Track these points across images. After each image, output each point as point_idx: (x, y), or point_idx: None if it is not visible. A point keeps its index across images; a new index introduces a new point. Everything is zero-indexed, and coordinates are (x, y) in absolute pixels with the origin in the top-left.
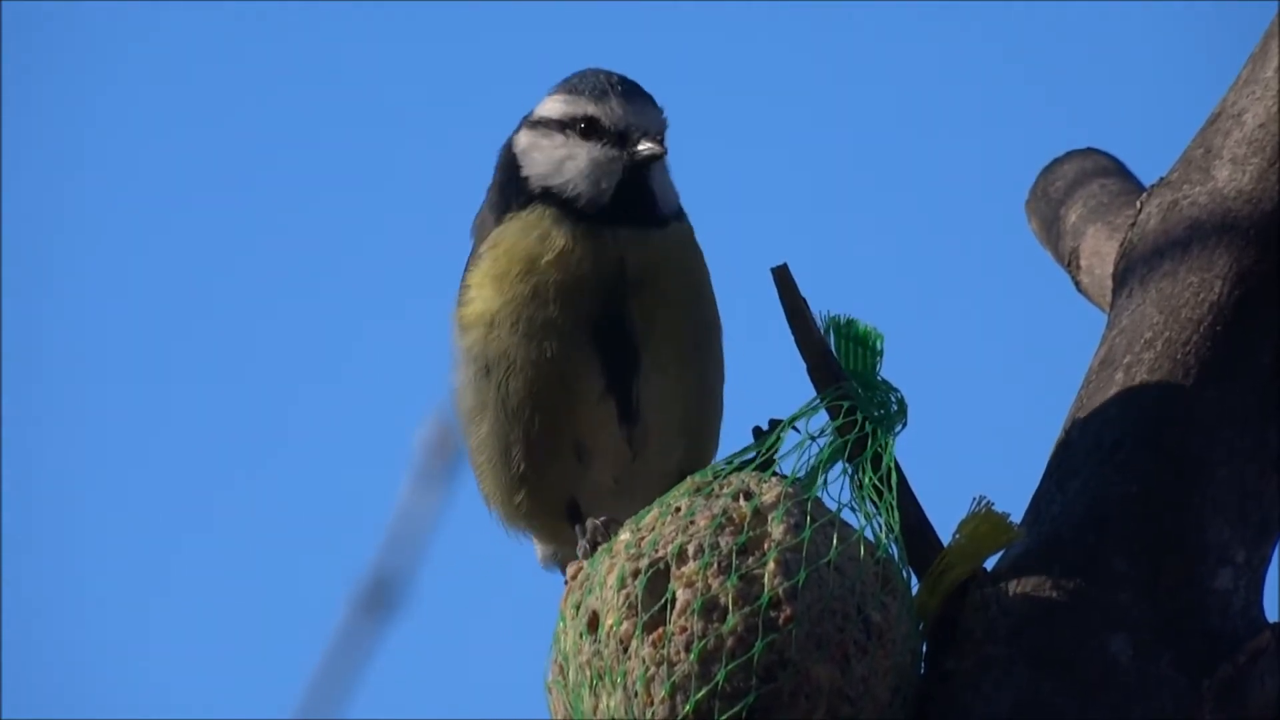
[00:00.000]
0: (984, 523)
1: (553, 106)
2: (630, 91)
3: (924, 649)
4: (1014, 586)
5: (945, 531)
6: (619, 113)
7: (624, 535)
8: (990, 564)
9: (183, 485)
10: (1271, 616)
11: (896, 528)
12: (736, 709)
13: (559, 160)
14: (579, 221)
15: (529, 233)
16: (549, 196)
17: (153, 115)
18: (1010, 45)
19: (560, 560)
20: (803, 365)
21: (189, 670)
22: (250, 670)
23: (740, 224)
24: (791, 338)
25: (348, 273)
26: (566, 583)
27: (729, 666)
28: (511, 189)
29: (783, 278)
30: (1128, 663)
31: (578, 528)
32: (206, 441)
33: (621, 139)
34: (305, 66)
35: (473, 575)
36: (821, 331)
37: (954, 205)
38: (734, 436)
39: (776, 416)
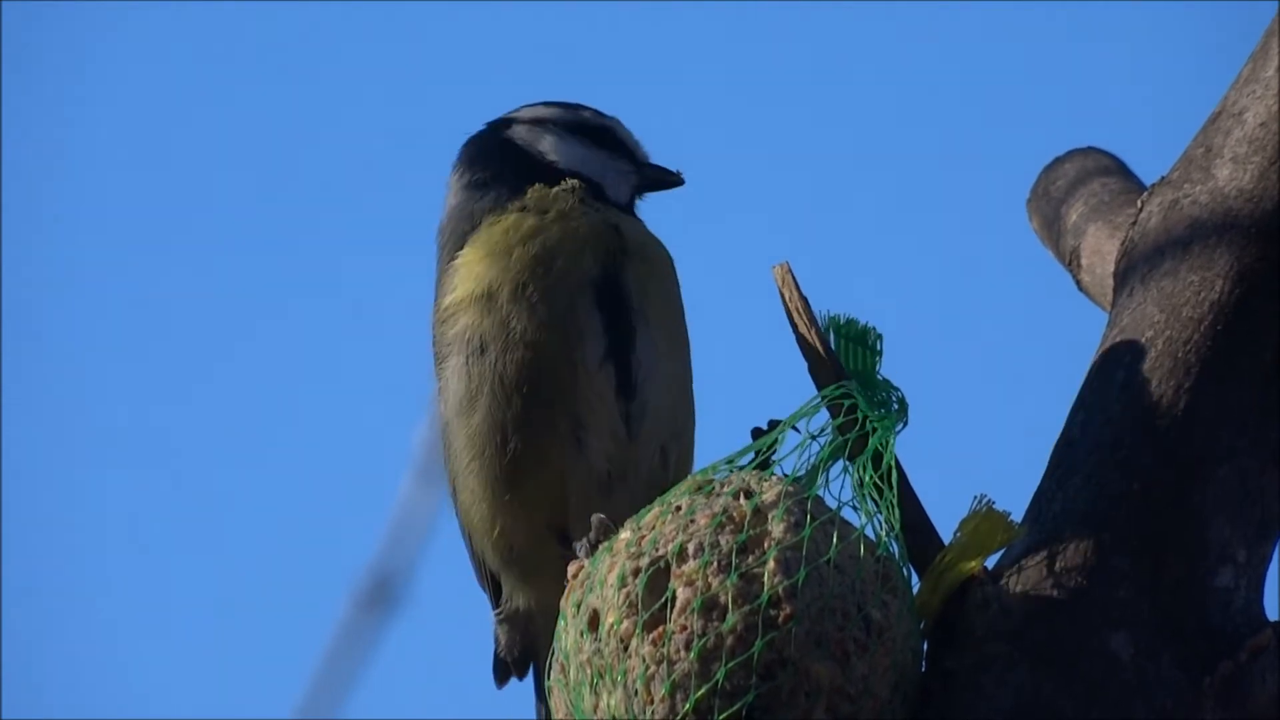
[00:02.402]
0: (985, 521)
1: (553, 112)
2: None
3: (924, 647)
4: (1015, 585)
5: (946, 530)
6: (628, 133)
7: (624, 534)
8: (991, 562)
9: (183, 484)
10: (1272, 615)
11: (897, 526)
12: (736, 707)
13: (580, 157)
14: (584, 199)
15: (545, 201)
16: (577, 177)
17: (153, 115)
18: (1010, 45)
19: (527, 625)
20: (803, 363)
21: (189, 670)
22: (250, 670)
23: (740, 223)
24: (792, 336)
25: (348, 272)
26: (567, 581)
27: (729, 665)
28: (526, 172)
29: (783, 276)
30: (1128, 661)
31: (577, 544)
32: (207, 441)
33: (633, 156)
34: (305, 66)
35: (473, 575)
36: (822, 330)
37: (955, 204)
38: (734, 437)
39: (776, 416)
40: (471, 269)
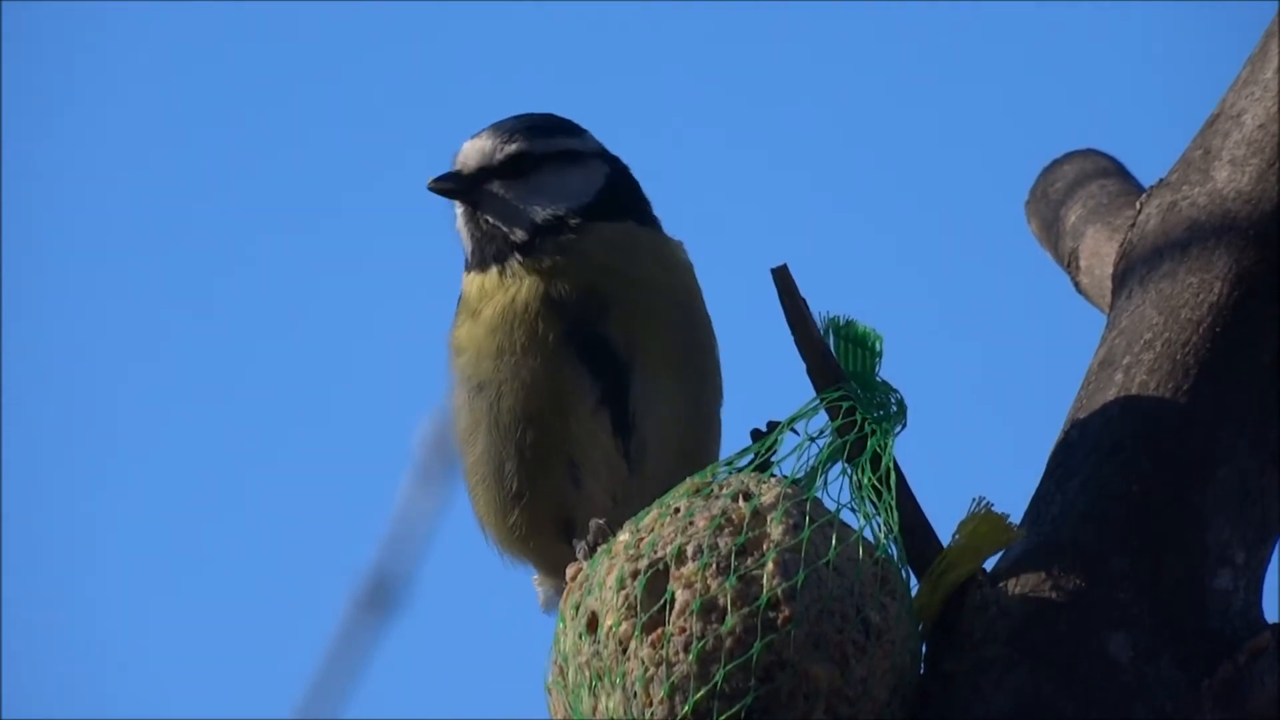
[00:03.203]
0: (984, 523)
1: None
2: (486, 128)
3: (923, 649)
4: (1014, 587)
5: (945, 532)
6: (462, 149)
7: (623, 536)
8: (990, 564)
9: (183, 485)
10: (1271, 616)
11: (896, 528)
12: (735, 709)
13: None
14: (495, 262)
15: (465, 301)
16: (478, 261)
17: (153, 114)
18: (1010, 45)
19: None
20: (802, 365)
21: (189, 670)
22: (250, 670)
23: (740, 224)
24: (791, 338)
25: (348, 272)
26: (566, 584)
27: (728, 667)
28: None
29: (783, 278)
30: (1128, 662)
31: (576, 544)
32: (207, 442)
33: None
34: (306, 65)
35: (473, 575)
36: (821, 332)
37: (954, 206)
38: (734, 437)
39: (775, 418)
40: (462, 315)
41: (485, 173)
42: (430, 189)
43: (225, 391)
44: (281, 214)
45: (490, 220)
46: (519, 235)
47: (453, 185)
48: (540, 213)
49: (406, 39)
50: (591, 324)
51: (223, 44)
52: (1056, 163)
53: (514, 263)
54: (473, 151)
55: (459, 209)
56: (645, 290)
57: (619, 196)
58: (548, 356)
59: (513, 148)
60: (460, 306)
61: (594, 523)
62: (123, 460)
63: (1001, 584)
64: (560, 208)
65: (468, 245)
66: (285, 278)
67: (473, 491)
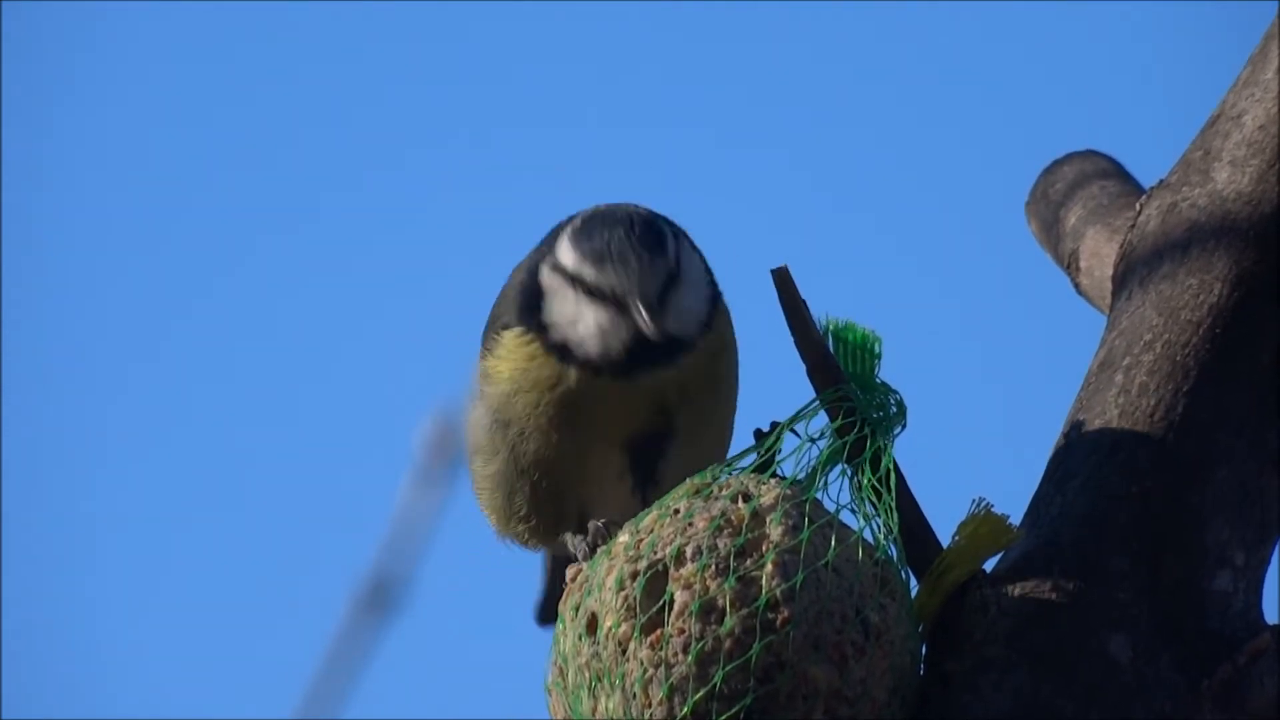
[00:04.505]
0: (983, 524)
1: (566, 255)
2: (626, 251)
3: (923, 650)
4: (1013, 587)
5: (945, 533)
6: (614, 278)
7: (623, 537)
8: (990, 565)
9: (183, 485)
10: (1271, 617)
11: (895, 529)
12: (734, 710)
13: (571, 317)
14: (597, 374)
15: (544, 369)
16: (566, 351)
17: (153, 113)
18: (1010, 45)
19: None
20: (802, 365)
21: (189, 670)
22: (250, 670)
23: (740, 224)
24: (790, 340)
25: (348, 272)
26: (566, 585)
27: (727, 668)
28: (533, 314)
29: (782, 279)
30: (1127, 663)
31: (576, 544)
32: (207, 442)
33: (621, 304)
34: (306, 64)
35: (473, 575)
36: (820, 333)
37: (954, 206)
38: (735, 437)
39: (776, 419)
40: (501, 362)
41: (664, 294)
42: (654, 340)
43: (225, 391)
44: (281, 213)
45: (674, 335)
46: (694, 335)
47: (659, 322)
48: (703, 309)
49: (406, 39)
50: (654, 430)
51: (223, 44)
52: (1056, 164)
53: (658, 372)
54: (643, 278)
55: (629, 329)
56: (724, 380)
57: (706, 264)
58: (597, 450)
59: (672, 254)
60: (505, 342)
61: (593, 524)
62: (123, 460)
63: (1001, 585)
64: (708, 295)
65: (622, 358)
66: (285, 277)
67: (478, 492)
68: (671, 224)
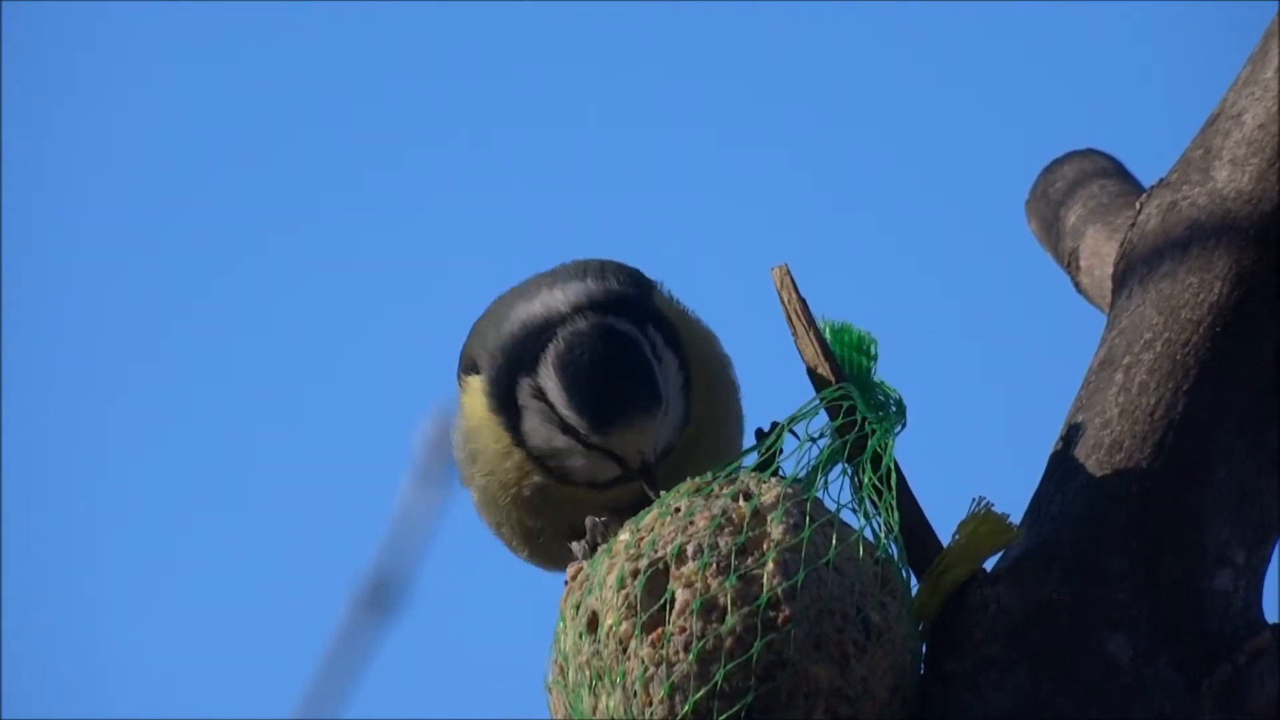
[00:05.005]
0: (984, 523)
1: (554, 394)
2: (625, 416)
3: (923, 649)
4: (1013, 587)
5: (945, 532)
6: (615, 443)
7: (623, 535)
8: (990, 564)
9: (183, 485)
10: (1271, 617)
11: (896, 528)
12: (735, 709)
13: (556, 449)
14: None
15: (512, 460)
16: (541, 460)
17: (153, 112)
18: (1011, 45)
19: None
20: (800, 367)
21: (189, 670)
22: (250, 670)
23: (740, 224)
24: (790, 339)
25: (348, 272)
26: (567, 583)
27: (728, 666)
28: (510, 412)
29: (782, 278)
30: (1127, 663)
31: (576, 543)
32: (207, 441)
33: (617, 458)
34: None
35: (473, 575)
36: (820, 332)
37: (954, 205)
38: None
39: (777, 419)
40: (470, 407)
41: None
42: (648, 486)
43: (225, 391)
44: (281, 213)
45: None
46: (673, 443)
47: (658, 475)
48: (678, 422)
49: (406, 39)
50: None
51: (223, 44)
52: (1056, 162)
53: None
54: (642, 438)
55: (616, 468)
56: (700, 429)
57: (668, 333)
58: (569, 502)
59: (663, 400)
60: (474, 393)
61: (590, 520)
62: (122, 460)
63: (1001, 584)
64: (682, 406)
65: (600, 480)
66: (286, 277)
67: (476, 510)
68: (648, 333)
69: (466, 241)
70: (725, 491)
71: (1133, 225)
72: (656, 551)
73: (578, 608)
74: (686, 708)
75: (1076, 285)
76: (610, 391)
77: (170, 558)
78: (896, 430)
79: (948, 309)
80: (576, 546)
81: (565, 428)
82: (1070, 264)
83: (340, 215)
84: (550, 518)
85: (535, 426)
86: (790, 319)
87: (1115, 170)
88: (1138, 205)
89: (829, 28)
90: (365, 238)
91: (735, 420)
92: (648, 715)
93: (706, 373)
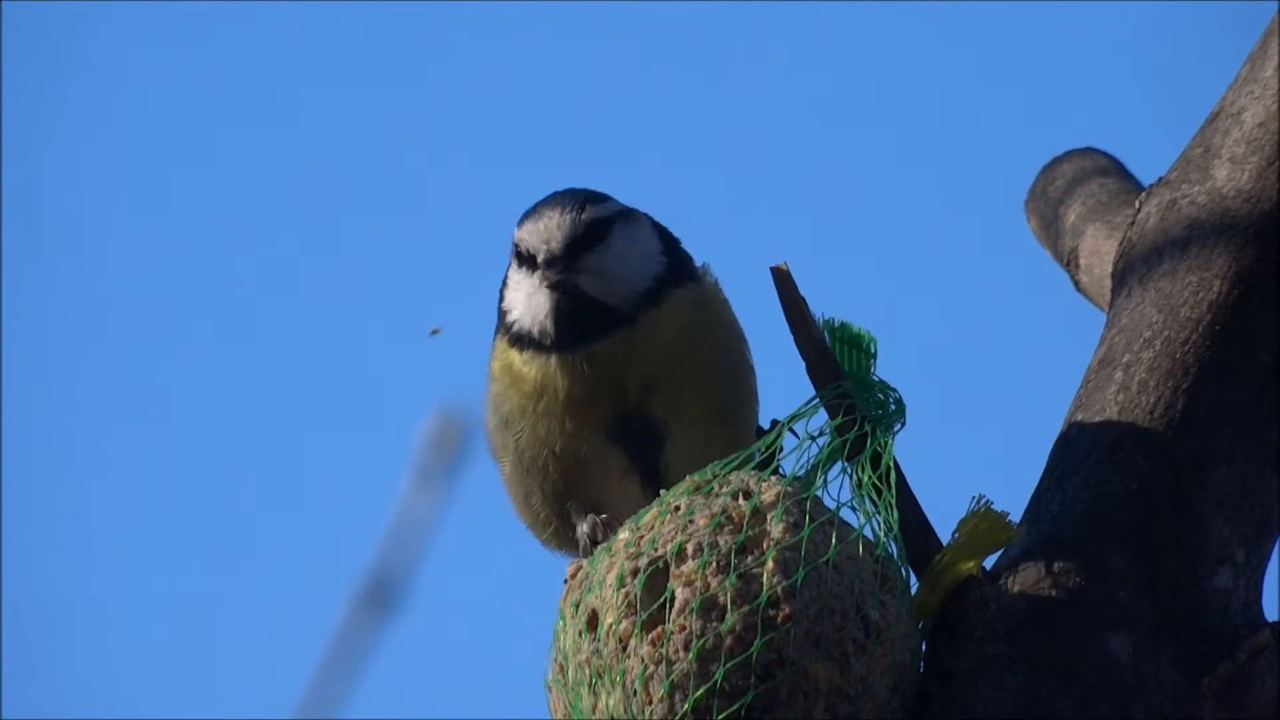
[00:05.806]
0: (983, 521)
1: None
2: (540, 208)
3: (923, 647)
4: (1013, 585)
5: (944, 530)
6: (526, 237)
7: (623, 534)
8: (989, 562)
9: (183, 485)
10: (1271, 616)
11: (895, 526)
12: (735, 707)
13: (513, 297)
14: (547, 353)
15: (508, 358)
16: (519, 338)
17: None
18: (1010, 45)
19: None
20: (800, 365)
21: (188, 670)
22: (250, 670)
23: (740, 223)
24: (790, 338)
25: (349, 272)
26: (566, 582)
27: (728, 665)
28: (501, 313)
29: (782, 278)
30: (1127, 661)
31: (581, 526)
32: (207, 441)
33: (534, 264)
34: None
35: (473, 575)
36: (820, 331)
37: (953, 205)
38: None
39: (777, 417)
40: (493, 364)
41: (574, 248)
42: (550, 287)
43: (226, 391)
44: (280, 213)
45: (594, 297)
46: (626, 306)
47: (560, 274)
48: (638, 281)
49: (406, 39)
50: (638, 407)
51: (223, 44)
52: (1056, 161)
53: (598, 344)
54: (550, 230)
55: (546, 292)
56: (699, 366)
57: (672, 251)
58: (583, 438)
59: (589, 214)
60: (494, 344)
61: (591, 518)
62: (122, 460)
63: (1001, 582)
64: (652, 271)
65: (550, 327)
66: (286, 277)
67: (511, 501)
68: (624, 207)
69: (467, 241)
70: (725, 490)
71: (1132, 224)
72: (656, 550)
73: (577, 606)
74: (686, 706)
75: (1076, 284)
76: (545, 199)
77: (170, 557)
78: (896, 429)
79: (947, 308)
80: (583, 526)
81: (516, 255)
82: (1070, 262)
83: (340, 215)
84: (579, 481)
85: (510, 293)
86: (790, 318)
87: (1115, 169)
88: (1137, 204)
89: (830, 27)
90: (365, 237)
91: (749, 395)
92: (647, 714)
93: (719, 333)
